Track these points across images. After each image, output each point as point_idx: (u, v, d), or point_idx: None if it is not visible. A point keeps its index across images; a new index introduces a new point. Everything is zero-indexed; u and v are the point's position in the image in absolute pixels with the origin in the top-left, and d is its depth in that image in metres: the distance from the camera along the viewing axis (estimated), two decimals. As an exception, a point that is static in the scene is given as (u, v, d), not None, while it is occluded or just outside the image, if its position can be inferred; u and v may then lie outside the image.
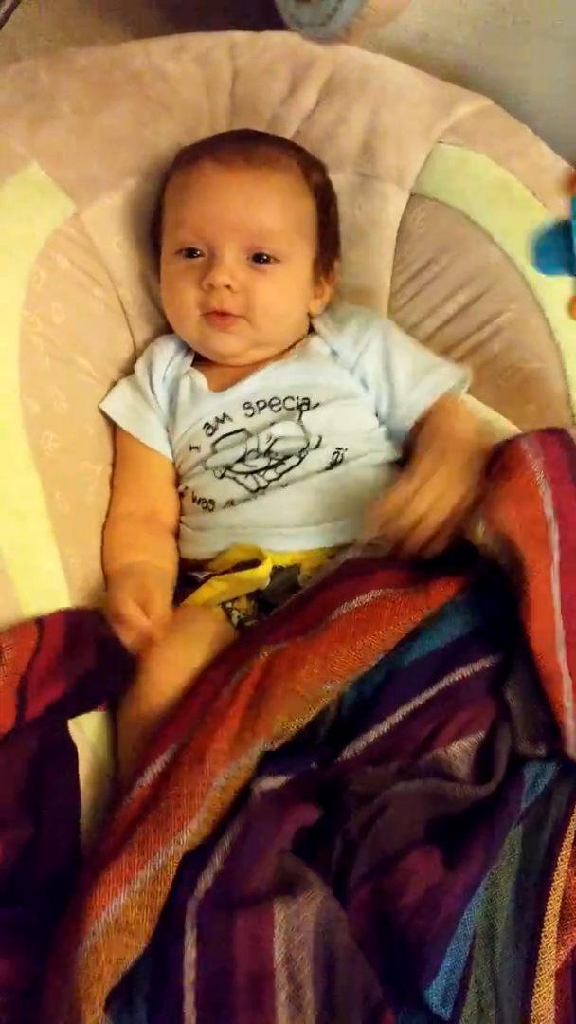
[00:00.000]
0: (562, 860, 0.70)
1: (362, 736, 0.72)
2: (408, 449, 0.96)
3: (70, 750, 0.73)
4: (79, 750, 0.74)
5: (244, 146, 0.95)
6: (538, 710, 0.72)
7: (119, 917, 0.61)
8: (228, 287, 0.92)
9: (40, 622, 0.76)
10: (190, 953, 0.60)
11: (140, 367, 1.02)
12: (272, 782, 0.70)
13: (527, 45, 1.07)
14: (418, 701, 0.73)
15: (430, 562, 0.81)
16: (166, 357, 1.02)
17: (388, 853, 0.66)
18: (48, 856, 0.67)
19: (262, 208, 0.93)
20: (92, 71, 1.02)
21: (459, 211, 1.02)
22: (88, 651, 0.75)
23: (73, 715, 0.74)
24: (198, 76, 1.06)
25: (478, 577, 0.78)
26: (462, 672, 0.74)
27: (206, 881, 0.63)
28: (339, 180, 1.05)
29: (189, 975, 0.60)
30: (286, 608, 0.81)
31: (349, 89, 1.05)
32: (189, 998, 0.59)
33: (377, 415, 0.99)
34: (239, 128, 1.03)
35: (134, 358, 1.05)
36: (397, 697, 0.73)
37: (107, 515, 0.96)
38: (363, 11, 0.92)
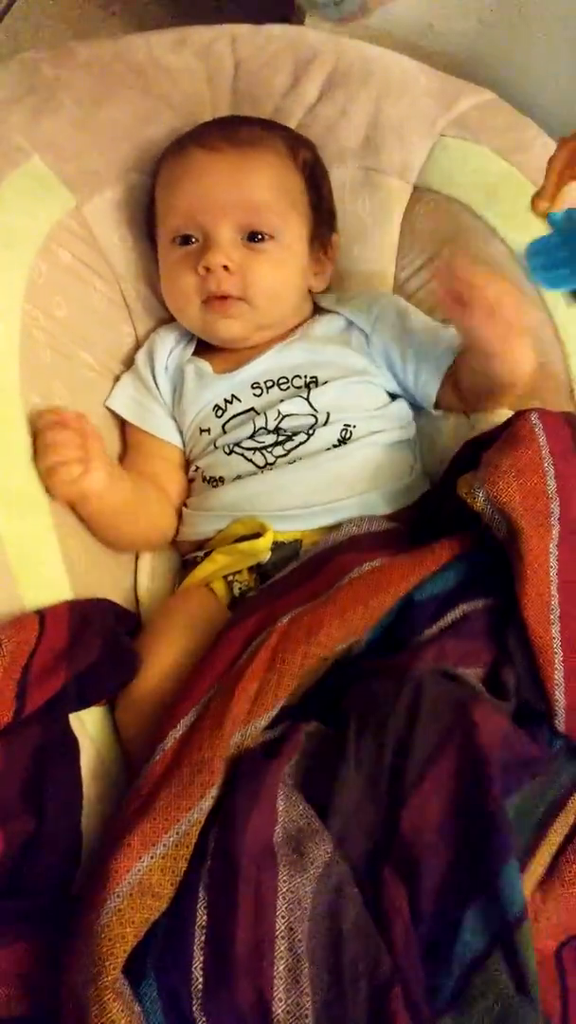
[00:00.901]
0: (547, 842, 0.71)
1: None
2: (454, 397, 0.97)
3: (71, 744, 0.73)
4: (81, 744, 0.74)
5: (228, 130, 0.96)
6: (534, 680, 0.73)
7: (143, 880, 0.63)
8: (225, 268, 0.92)
9: (41, 614, 0.75)
10: (201, 916, 0.62)
11: (141, 358, 1.02)
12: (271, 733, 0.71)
13: (531, 38, 1.08)
14: (422, 637, 0.75)
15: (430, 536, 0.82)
16: (167, 347, 1.02)
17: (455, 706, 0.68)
18: (50, 850, 0.67)
19: (249, 184, 0.93)
20: (94, 64, 1.02)
21: (463, 204, 1.02)
22: (94, 643, 0.75)
23: (74, 710, 0.74)
24: (200, 69, 1.05)
25: (479, 538, 0.79)
26: (464, 608, 0.76)
27: (212, 844, 0.65)
28: (342, 174, 1.05)
29: (200, 937, 0.62)
30: (291, 575, 0.82)
31: (351, 82, 1.05)
32: (198, 960, 0.61)
33: (395, 383, 0.98)
34: (225, 116, 1.02)
35: (136, 351, 1.04)
36: (414, 627, 0.76)
37: None
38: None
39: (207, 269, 0.92)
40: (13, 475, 0.81)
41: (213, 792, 0.67)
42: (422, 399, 0.98)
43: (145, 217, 1.02)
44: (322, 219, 1.01)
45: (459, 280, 0.82)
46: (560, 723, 0.71)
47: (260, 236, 0.93)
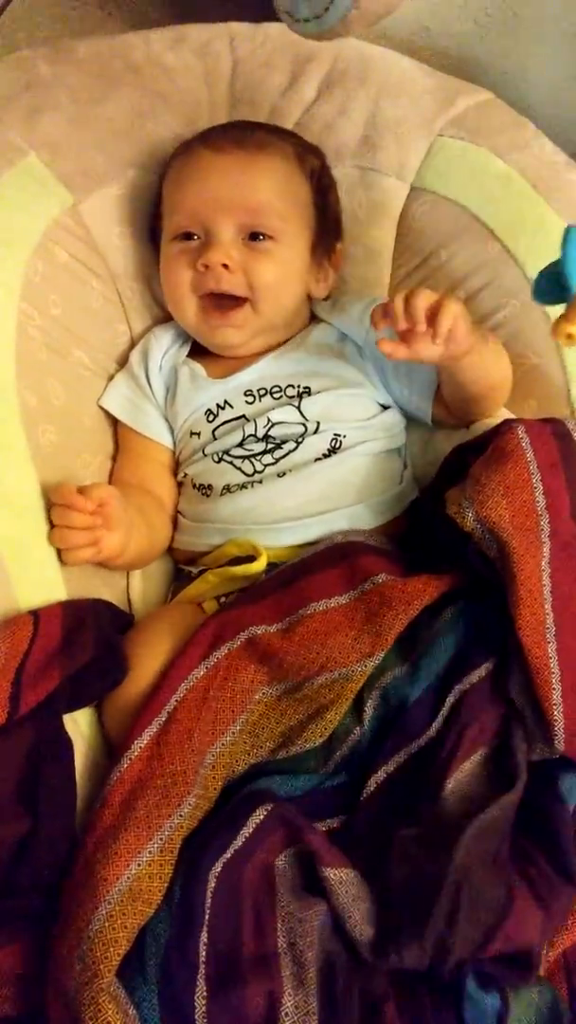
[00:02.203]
0: None
1: (382, 767, 0.75)
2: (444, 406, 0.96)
3: (65, 744, 0.73)
4: (75, 743, 0.74)
5: (238, 133, 0.96)
6: (534, 702, 0.73)
7: (132, 886, 0.64)
8: (225, 266, 0.92)
9: (36, 614, 0.75)
10: (204, 932, 0.64)
11: (135, 357, 1.02)
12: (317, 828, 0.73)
13: (528, 38, 1.07)
14: (431, 733, 0.75)
15: (417, 553, 0.82)
16: (162, 346, 1.02)
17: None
18: (45, 849, 0.67)
19: (254, 185, 0.93)
20: (91, 62, 1.02)
21: (460, 205, 1.02)
22: (87, 643, 0.75)
23: (68, 710, 0.74)
24: (197, 67, 1.05)
25: (470, 575, 0.79)
26: (461, 688, 0.75)
27: (220, 864, 0.67)
28: (339, 173, 1.05)
29: (201, 953, 0.64)
30: (263, 588, 0.82)
31: (349, 82, 1.05)
32: (203, 971, 0.63)
33: (388, 395, 0.98)
34: (237, 120, 1.03)
35: (131, 350, 1.04)
36: (411, 730, 0.75)
37: (109, 477, 0.97)
38: (360, 3, 0.91)
39: (206, 266, 0.92)
40: (8, 475, 0.81)
41: (191, 800, 0.69)
42: (417, 415, 0.98)
43: (148, 216, 1.02)
44: (327, 226, 1.00)
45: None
46: (560, 743, 0.71)
47: (261, 236, 0.93)
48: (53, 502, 0.81)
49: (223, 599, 0.88)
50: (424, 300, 0.79)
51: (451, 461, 0.87)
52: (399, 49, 1.07)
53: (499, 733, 0.73)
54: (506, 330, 0.98)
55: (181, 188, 0.95)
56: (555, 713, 0.71)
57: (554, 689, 0.72)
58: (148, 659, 0.78)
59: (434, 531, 0.81)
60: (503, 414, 0.96)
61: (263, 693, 0.75)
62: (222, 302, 0.94)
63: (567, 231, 0.68)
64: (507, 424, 0.81)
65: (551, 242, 0.69)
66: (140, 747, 0.71)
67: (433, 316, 0.78)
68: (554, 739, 0.71)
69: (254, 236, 0.93)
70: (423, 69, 1.07)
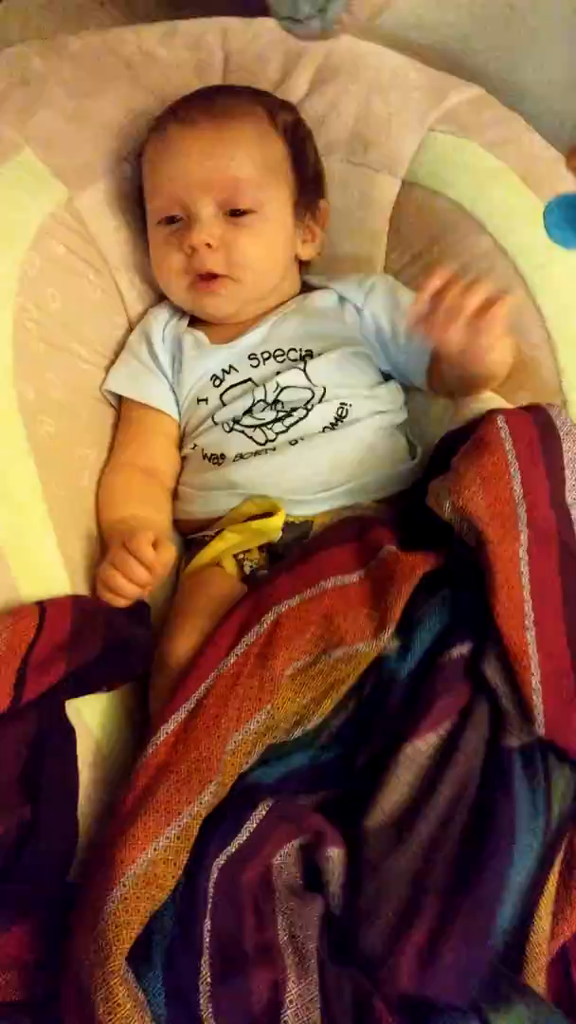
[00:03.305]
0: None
1: (372, 741, 0.76)
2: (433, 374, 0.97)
3: (68, 732, 0.73)
4: (76, 732, 0.74)
5: (205, 101, 0.95)
6: (514, 688, 0.74)
7: (147, 870, 0.65)
8: (208, 245, 0.93)
9: (42, 606, 0.76)
10: (207, 920, 0.65)
11: (135, 337, 1.03)
12: (304, 800, 0.75)
13: (520, 34, 1.08)
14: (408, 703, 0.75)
15: (422, 530, 0.83)
16: (161, 321, 1.02)
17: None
18: (47, 836, 0.68)
19: (227, 159, 0.93)
20: (85, 56, 1.02)
21: (451, 199, 1.03)
22: (95, 642, 0.75)
23: (71, 697, 0.75)
24: (190, 61, 1.06)
25: (457, 557, 0.80)
26: (441, 660, 0.76)
27: (224, 857, 0.68)
28: (331, 168, 1.05)
29: (205, 938, 0.64)
30: (284, 565, 0.82)
31: (341, 77, 1.06)
32: (206, 957, 0.64)
33: (386, 360, 0.99)
34: (201, 87, 1.01)
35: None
36: (395, 704, 0.76)
37: (105, 464, 0.97)
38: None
39: (192, 248, 0.93)
40: (7, 467, 0.82)
41: (212, 788, 0.69)
42: (412, 377, 0.99)
43: (136, 201, 1.02)
44: (307, 184, 1.00)
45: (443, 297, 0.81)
46: (541, 728, 0.71)
47: (242, 211, 0.94)
48: (125, 545, 0.81)
49: (241, 556, 0.89)
50: (483, 292, 0.80)
51: (442, 448, 0.88)
52: (391, 45, 1.08)
53: (463, 712, 0.74)
54: (498, 323, 0.99)
55: (157, 171, 0.96)
56: (535, 699, 0.72)
57: (533, 675, 0.72)
58: (186, 637, 0.79)
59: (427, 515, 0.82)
60: (497, 402, 0.97)
61: (287, 676, 0.75)
62: (207, 276, 0.96)
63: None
64: (490, 414, 0.82)
65: (542, 236, 0.70)
66: (167, 732, 0.72)
67: (481, 312, 0.80)
68: (535, 724, 0.72)
69: (235, 212, 0.94)
70: (414, 65, 1.07)
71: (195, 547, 0.94)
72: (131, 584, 0.81)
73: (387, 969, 0.65)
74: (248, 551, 0.89)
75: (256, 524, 0.87)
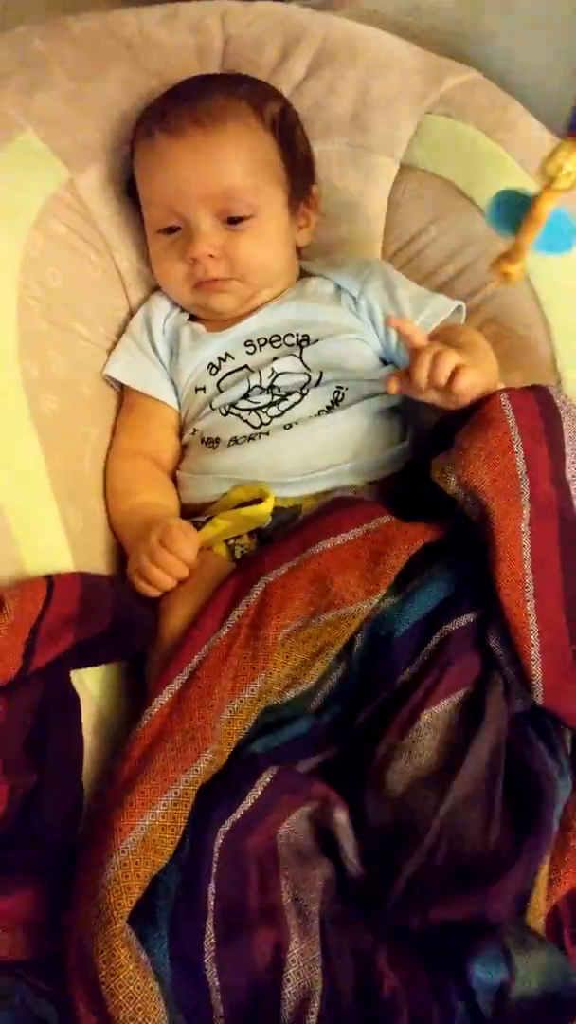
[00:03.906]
0: None
1: (371, 701, 0.77)
2: None
3: (73, 700, 0.75)
4: (81, 701, 0.76)
5: (191, 107, 0.95)
6: (515, 657, 0.75)
7: (146, 836, 0.66)
8: (211, 256, 0.95)
9: (50, 579, 0.77)
10: (210, 884, 0.67)
11: (137, 324, 1.04)
12: (304, 765, 0.76)
13: (517, 18, 1.09)
14: (414, 668, 0.77)
15: (412, 511, 0.84)
16: (163, 311, 1.04)
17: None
18: (52, 801, 0.70)
19: (222, 170, 0.94)
20: (85, 38, 1.02)
21: (448, 182, 1.04)
22: (104, 616, 0.77)
23: (77, 667, 0.76)
24: (190, 44, 1.06)
25: (458, 531, 0.81)
26: (448, 628, 0.77)
27: (229, 823, 0.70)
28: (329, 150, 1.06)
29: (210, 901, 0.66)
30: (279, 536, 0.84)
31: (339, 60, 1.06)
32: (210, 919, 0.65)
33: (383, 348, 1.00)
34: (186, 79, 1.01)
35: (129, 322, 1.06)
36: (395, 664, 0.77)
37: (109, 450, 0.98)
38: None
39: (194, 259, 0.95)
40: (12, 443, 0.83)
41: (208, 756, 0.71)
42: (404, 363, 1.00)
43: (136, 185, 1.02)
44: (298, 174, 1.01)
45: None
46: (539, 697, 0.73)
47: (239, 218, 0.95)
48: (162, 541, 0.84)
49: (232, 543, 0.91)
50: (449, 365, 0.81)
51: (439, 428, 0.89)
52: (388, 28, 1.09)
53: (477, 680, 0.76)
54: (494, 303, 1.01)
55: (151, 181, 0.97)
56: (534, 669, 0.74)
57: (532, 645, 0.74)
58: (182, 608, 0.81)
59: (424, 493, 0.83)
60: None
61: (279, 643, 0.77)
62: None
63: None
64: (492, 394, 0.83)
65: (537, 218, 0.71)
66: (161, 704, 0.73)
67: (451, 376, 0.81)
68: (534, 693, 0.74)
69: (232, 220, 0.95)
70: (411, 48, 1.08)
71: None
72: (168, 577, 0.83)
73: (446, 901, 0.68)
74: (238, 537, 0.91)
75: (245, 511, 0.88)
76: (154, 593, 0.84)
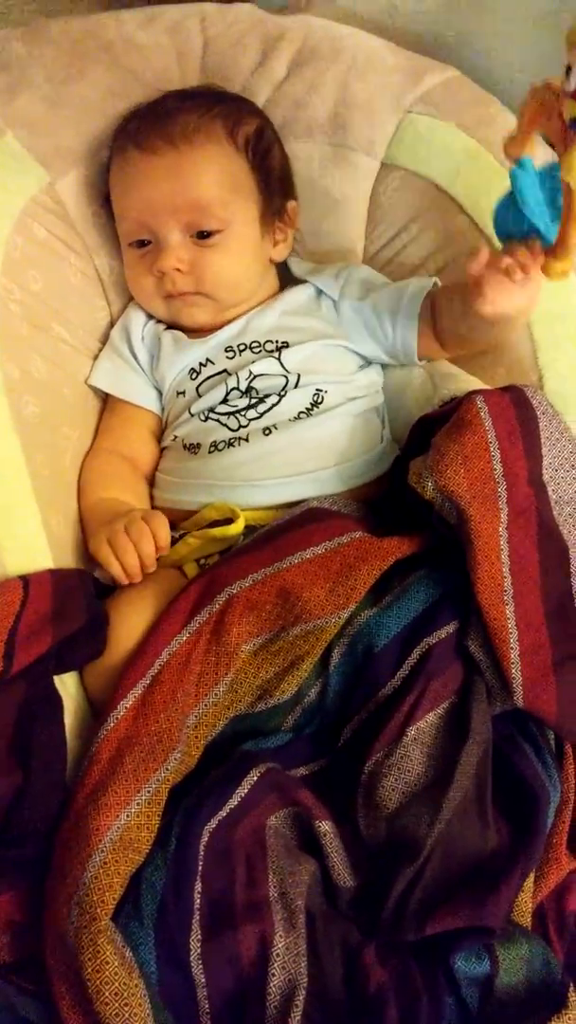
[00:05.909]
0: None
1: (354, 716, 0.78)
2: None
3: (56, 702, 0.75)
4: (64, 702, 0.76)
5: (164, 126, 0.96)
6: (495, 661, 0.76)
7: (123, 835, 0.67)
8: (178, 269, 0.96)
9: (25, 579, 0.77)
10: (197, 881, 0.67)
11: (117, 334, 1.05)
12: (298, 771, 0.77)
13: (494, 17, 1.09)
14: (396, 682, 0.77)
15: (385, 518, 0.85)
16: (142, 318, 1.04)
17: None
18: (36, 802, 0.70)
19: (190, 185, 0.94)
20: (64, 41, 1.02)
21: (429, 180, 1.04)
22: (78, 612, 0.77)
23: (57, 672, 0.76)
24: (169, 46, 1.06)
25: (436, 540, 0.81)
26: (428, 641, 0.78)
27: (215, 821, 0.70)
28: (310, 149, 1.06)
29: (196, 899, 0.67)
30: (242, 550, 0.84)
31: (319, 60, 1.06)
32: (197, 917, 0.66)
33: (377, 344, 1.00)
34: (159, 96, 1.02)
35: (111, 326, 1.06)
36: (377, 679, 0.78)
37: (88, 449, 0.99)
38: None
39: (161, 272, 0.96)
40: (-7, 444, 0.83)
41: (176, 756, 0.71)
42: (404, 351, 1.00)
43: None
44: (272, 193, 1.01)
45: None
46: (519, 700, 0.74)
47: (208, 232, 0.96)
48: (143, 517, 0.85)
49: (203, 562, 0.90)
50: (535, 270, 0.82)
51: (417, 431, 0.90)
52: (368, 28, 1.09)
53: (460, 690, 0.76)
54: (475, 301, 1.00)
55: (124, 195, 0.98)
56: (513, 672, 0.74)
57: (512, 648, 0.75)
58: (130, 623, 0.80)
59: (405, 497, 0.83)
60: (473, 383, 0.98)
61: (244, 651, 0.77)
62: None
63: (512, 174, 0.71)
64: (468, 395, 0.83)
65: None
66: (126, 707, 0.74)
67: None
68: (514, 695, 0.74)
69: (201, 235, 0.96)
70: (391, 47, 1.08)
71: None
72: (134, 556, 0.83)
73: (445, 910, 0.68)
74: (209, 556, 0.90)
75: (216, 531, 0.88)
76: (115, 569, 0.83)
